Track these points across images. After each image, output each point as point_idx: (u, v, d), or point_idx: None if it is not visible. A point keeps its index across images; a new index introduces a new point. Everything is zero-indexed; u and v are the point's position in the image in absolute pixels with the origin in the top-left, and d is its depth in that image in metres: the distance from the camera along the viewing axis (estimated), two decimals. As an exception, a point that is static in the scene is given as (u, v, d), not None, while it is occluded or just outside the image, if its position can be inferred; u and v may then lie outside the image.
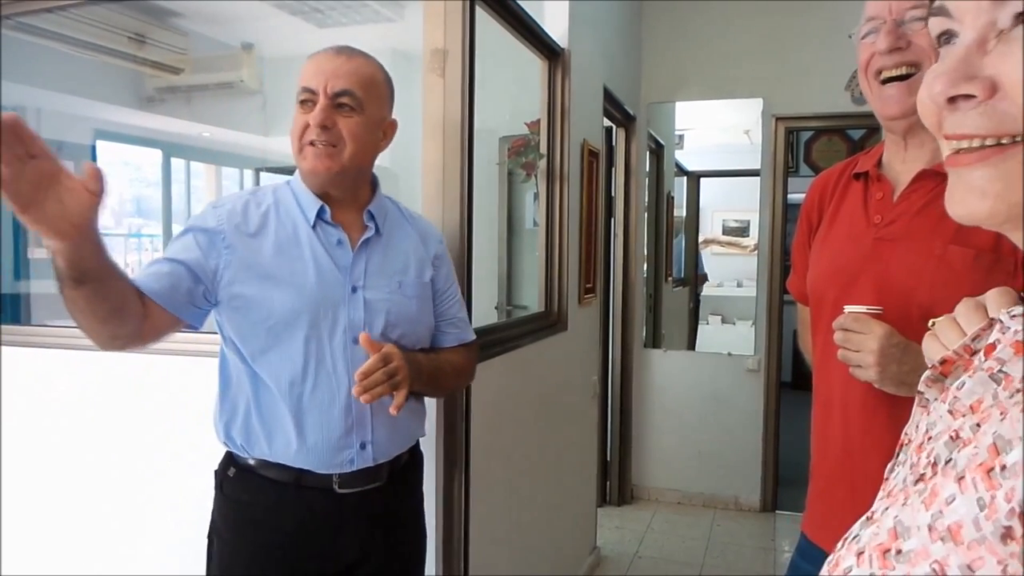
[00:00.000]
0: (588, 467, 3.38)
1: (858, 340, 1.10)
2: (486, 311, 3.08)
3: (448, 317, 1.54)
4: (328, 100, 1.33)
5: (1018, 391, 0.45)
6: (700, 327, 5.26)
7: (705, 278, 5.39)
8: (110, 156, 4.57)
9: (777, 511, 4.11)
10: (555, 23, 2.75)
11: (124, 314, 1.20)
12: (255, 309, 1.33)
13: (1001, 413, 0.45)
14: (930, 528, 0.44)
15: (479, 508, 2.00)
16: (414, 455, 1.53)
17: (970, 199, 0.47)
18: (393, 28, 3.49)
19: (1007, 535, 0.40)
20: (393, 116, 1.47)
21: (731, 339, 4.98)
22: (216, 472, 1.44)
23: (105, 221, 4.53)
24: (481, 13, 1.97)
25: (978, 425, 0.47)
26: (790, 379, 5.48)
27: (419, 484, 1.56)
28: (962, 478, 0.44)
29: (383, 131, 1.44)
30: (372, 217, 1.43)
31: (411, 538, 1.52)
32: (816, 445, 1.35)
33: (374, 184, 1.49)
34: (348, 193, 1.42)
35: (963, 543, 0.42)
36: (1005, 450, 0.42)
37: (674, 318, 4.89)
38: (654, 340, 4.47)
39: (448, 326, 1.55)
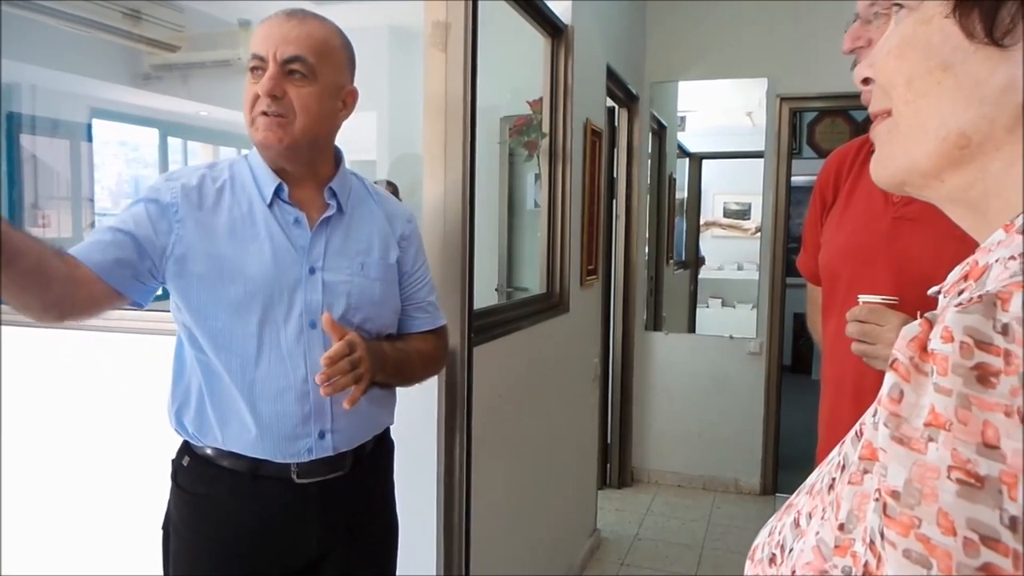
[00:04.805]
0: (588, 449, 3.37)
1: (876, 332, 1.07)
2: (486, 293, 3.06)
3: (416, 301, 1.46)
4: (278, 67, 1.24)
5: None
6: (700, 310, 5.24)
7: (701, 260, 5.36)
8: (106, 135, 4.52)
9: (777, 494, 4.11)
10: (558, -1, 2.70)
11: (44, 279, 1.13)
12: (206, 290, 1.26)
13: None
14: (809, 486, 0.50)
15: (480, 490, 1.98)
16: (382, 443, 1.45)
17: (872, 164, 0.53)
18: (392, 4, 3.44)
19: (831, 486, 0.45)
20: (354, 85, 1.37)
21: (731, 322, 4.96)
22: (172, 461, 1.38)
23: (103, 202, 4.52)
24: (484, -13, 1.92)
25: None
26: (789, 362, 5.48)
27: (388, 473, 1.49)
28: (842, 443, 0.49)
29: (342, 100, 1.33)
30: (334, 195, 1.35)
31: (379, 529, 1.47)
32: (824, 427, 1.33)
33: (337, 159, 1.40)
34: (305, 168, 1.33)
35: (811, 494, 0.48)
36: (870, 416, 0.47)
37: (675, 301, 4.87)
38: (655, 322, 4.46)
39: (416, 310, 1.47)
